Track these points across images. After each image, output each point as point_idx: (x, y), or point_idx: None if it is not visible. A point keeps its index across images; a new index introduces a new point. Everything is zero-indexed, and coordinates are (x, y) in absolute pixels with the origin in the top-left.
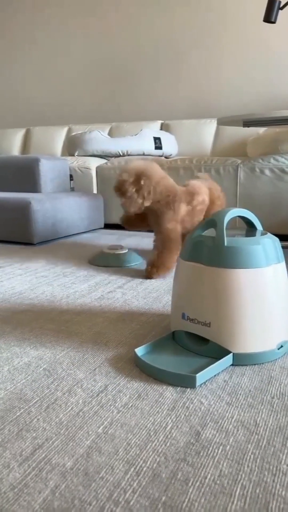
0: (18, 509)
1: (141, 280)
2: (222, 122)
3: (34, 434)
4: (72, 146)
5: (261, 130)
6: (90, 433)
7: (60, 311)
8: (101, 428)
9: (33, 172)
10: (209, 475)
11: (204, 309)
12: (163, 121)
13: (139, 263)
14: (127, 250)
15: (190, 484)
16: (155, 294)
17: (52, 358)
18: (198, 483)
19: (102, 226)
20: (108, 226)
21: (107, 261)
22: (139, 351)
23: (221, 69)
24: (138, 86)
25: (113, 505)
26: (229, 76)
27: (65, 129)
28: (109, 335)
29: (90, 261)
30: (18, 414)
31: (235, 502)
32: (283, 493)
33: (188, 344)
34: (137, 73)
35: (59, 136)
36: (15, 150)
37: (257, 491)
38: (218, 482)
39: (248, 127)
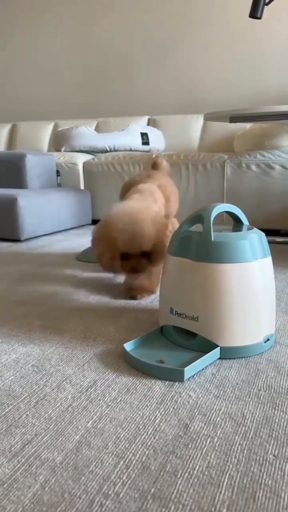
0: (8, 504)
1: None
2: (209, 117)
3: (23, 430)
4: (59, 141)
5: (248, 125)
6: (79, 427)
7: (48, 308)
8: (90, 422)
9: (19, 168)
10: (198, 466)
11: (191, 303)
12: (150, 117)
13: None
14: None
15: (178, 475)
16: None
17: (41, 354)
18: (186, 475)
19: (90, 222)
20: (95, 222)
21: (94, 257)
22: (128, 346)
23: (208, 65)
24: (125, 81)
25: (103, 497)
26: (216, 72)
27: (52, 124)
28: (97, 331)
29: (78, 257)
30: (7, 410)
31: (223, 492)
32: (270, 482)
33: (176, 338)
34: (124, 68)
35: (46, 132)
36: (1, 145)
37: (244, 481)
38: (206, 473)
39: (235, 122)
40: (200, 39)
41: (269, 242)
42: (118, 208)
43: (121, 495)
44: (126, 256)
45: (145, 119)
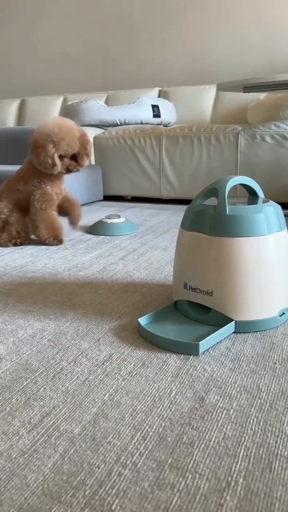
0: (29, 473)
1: (142, 251)
2: (222, 87)
3: (41, 403)
4: (68, 116)
5: (262, 96)
6: (96, 400)
7: (63, 284)
8: (107, 395)
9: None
10: (214, 438)
11: (206, 278)
12: (161, 88)
13: (135, 231)
14: (124, 219)
15: (195, 446)
16: (157, 265)
17: (56, 329)
18: (203, 446)
19: (101, 198)
20: (107, 198)
21: (104, 230)
22: (143, 320)
23: (219, 33)
24: (134, 52)
25: (121, 467)
26: (228, 40)
27: (61, 99)
28: (112, 306)
29: (89, 231)
30: (25, 384)
31: (239, 462)
32: (286, 453)
33: (191, 313)
34: (133, 38)
35: (55, 106)
36: (10, 121)
37: (260, 452)
38: (222, 444)
39: (249, 92)
40: (211, 6)
41: (286, 215)
42: (51, 120)
43: (138, 465)
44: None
45: (155, 91)
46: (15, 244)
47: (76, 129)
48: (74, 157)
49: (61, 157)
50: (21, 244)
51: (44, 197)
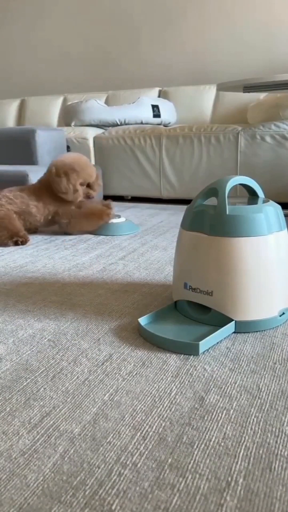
0: (29, 473)
1: (142, 251)
2: (222, 87)
3: (41, 403)
4: (68, 116)
5: (262, 96)
6: (96, 400)
7: (63, 284)
8: (107, 395)
9: (29, 144)
10: (214, 438)
11: (206, 278)
12: (161, 88)
13: (135, 231)
14: (124, 219)
15: (195, 446)
16: (157, 265)
17: (56, 329)
18: (203, 446)
19: (101, 198)
20: (106, 197)
21: (104, 230)
22: (143, 320)
23: (219, 33)
24: (134, 52)
25: (121, 467)
26: (228, 40)
27: (61, 99)
28: (112, 306)
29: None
30: (25, 384)
31: (239, 462)
32: (286, 453)
33: (191, 313)
34: (133, 38)
35: (55, 106)
36: (10, 121)
37: (260, 452)
38: (222, 444)
39: (249, 92)
40: (211, 6)
41: (286, 215)
42: (67, 155)
43: (138, 465)
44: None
45: (155, 91)
46: (16, 243)
47: (89, 162)
48: (88, 185)
49: (80, 186)
50: (22, 243)
51: (77, 211)
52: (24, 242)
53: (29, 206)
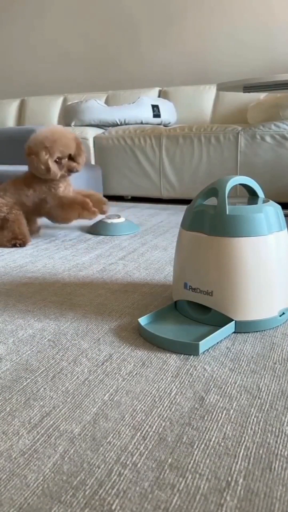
0: (29, 473)
1: (142, 251)
2: (222, 87)
3: (41, 403)
4: (68, 116)
5: (262, 96)
6: (96, 400)
7: (63, 284)
8: (107, 395)
9: None
10: (214, 438)
11: (206, 278)
12: (161, 88)
13: (135, 231)
14: (124, 219)
15: (195, 446)
16: (157, 265)
17: (56, 329)
18: (203, 446)
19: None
20: (107, 197)
21: (105, 230)
22: (143, 320)
23: (220, 33)
24: (134, 52)
25: (121, 467)
26: (228, 40)
27: (61, 99)
28: (112, 306)
29: (89, 231)
30: (25, 384)
31: (239, 462)
32: (286, 453)
33: (191, 313)
34: (133, 38)
35: (55, 106)
36: (10, 121)
37: (260, 452)
38: (222, 444)
39: (249, 92)
40: (211, 6)
41: (286, 215)
42: (43, 130)
43: (138, 465)
44: (56, 161)
45: (155, 91)
46: (15, 245)
47: (69, 132)
48: (72, 159)
49: (59, 160)
50: (20, 245)
51: (59, 199)
52: (22, 244)
53: (21, 196)
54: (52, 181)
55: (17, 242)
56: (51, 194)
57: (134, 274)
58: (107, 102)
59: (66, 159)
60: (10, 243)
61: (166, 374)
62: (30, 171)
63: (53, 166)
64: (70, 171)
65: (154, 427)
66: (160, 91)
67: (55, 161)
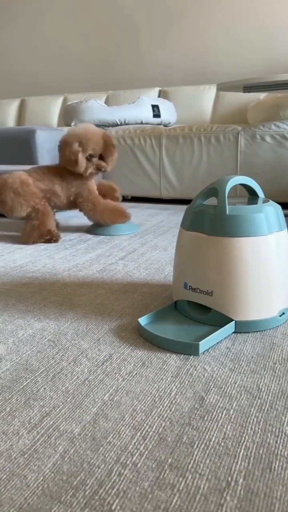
0: (29, 473)
1: (142, 251)
2: (222, 87)
3: (41, 403)
4: (68, 116)
5: (262, 96)
6: (96, 400)
7: (63, 284)
8: (107, 395)
9: (29, 144)
10: (214, 438)
11: (206, 278)
12: (161, 88)
13: (135, 231)
14: None
15: (195, 446)
16: (157, 265)
17: (56, 329)
18: (203, 446)
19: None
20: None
21: (105, 230)
22: (143, 320)
23: (220, 33)
24: (134, 52)
25: (121, 467)
26: (228, 40)
27: (61, 99)
28: (112, 306)
29: (89, 231)
30: (25, 384)
31: (239, 462)
32: (286, 453)
33: (191, 313)
34: (133, 38)
35: (55, 106)
36: (10, 121)
37: (260, 452)
38: (222, 444)
39: (249, 92)
40: (211, 6)
41: (286, 215)
42: (79, 126)
43: (138, 465)
44: (87, 159)
45: (155, 91)
46: (49, 241)
47: (102, 131)
48: (102, 158)
49: (90, 157)
50: (55, 241)
51: (93, 193)
52: (56, 240)
53: (55, 185)
54: (83, 176)
55: (52, 238)
56: (84, 189)
57: (134, 274)
58: (107, 102)
59: (97, 158)
60: (43, 238)
61: (166, 374)
62: (61, 164)
63: (82, 160)
64: (99, 169)
65: (154, 427)
66: (160, 91)
67: (87, 158)
